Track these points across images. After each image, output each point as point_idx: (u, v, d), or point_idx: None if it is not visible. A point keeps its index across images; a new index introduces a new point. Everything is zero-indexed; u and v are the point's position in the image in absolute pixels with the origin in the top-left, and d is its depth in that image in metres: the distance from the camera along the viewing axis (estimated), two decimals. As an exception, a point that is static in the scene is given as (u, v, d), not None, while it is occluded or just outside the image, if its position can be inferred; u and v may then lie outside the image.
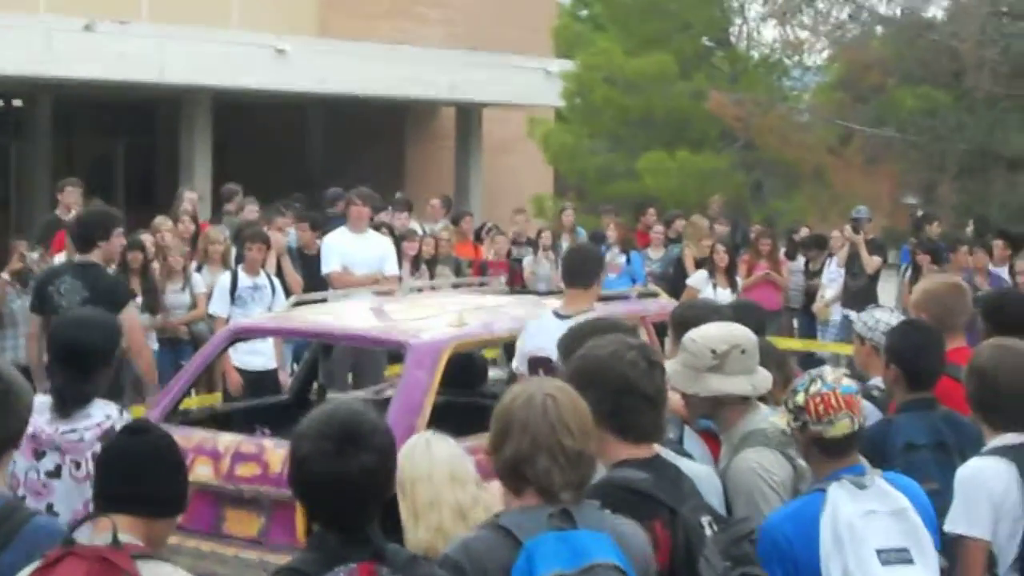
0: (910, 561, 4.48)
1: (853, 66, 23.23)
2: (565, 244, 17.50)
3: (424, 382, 7.88)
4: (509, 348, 10.63)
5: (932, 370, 5.79)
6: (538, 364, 7.45)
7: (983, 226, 18.17)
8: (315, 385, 10.17)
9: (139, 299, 11.85)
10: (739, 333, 5.24)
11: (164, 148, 26.31)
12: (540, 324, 7.84)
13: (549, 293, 10.02)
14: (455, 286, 11.94)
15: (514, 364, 8.13)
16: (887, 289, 17.31)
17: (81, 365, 5.71)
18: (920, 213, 20.17)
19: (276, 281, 12.49)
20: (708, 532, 4.31)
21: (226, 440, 8.04)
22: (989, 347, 5.31)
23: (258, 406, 9.88)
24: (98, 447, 5.52)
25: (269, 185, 19.87)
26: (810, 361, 15.03)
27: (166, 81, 21.36)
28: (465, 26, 27.10)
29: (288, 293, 12.09)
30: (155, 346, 12.25)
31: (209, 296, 12.60)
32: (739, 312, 6.23)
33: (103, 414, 5.69)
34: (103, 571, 3.61)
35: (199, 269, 13.27)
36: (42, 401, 5.60)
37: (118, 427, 5.55)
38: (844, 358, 14.49)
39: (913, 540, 4.51)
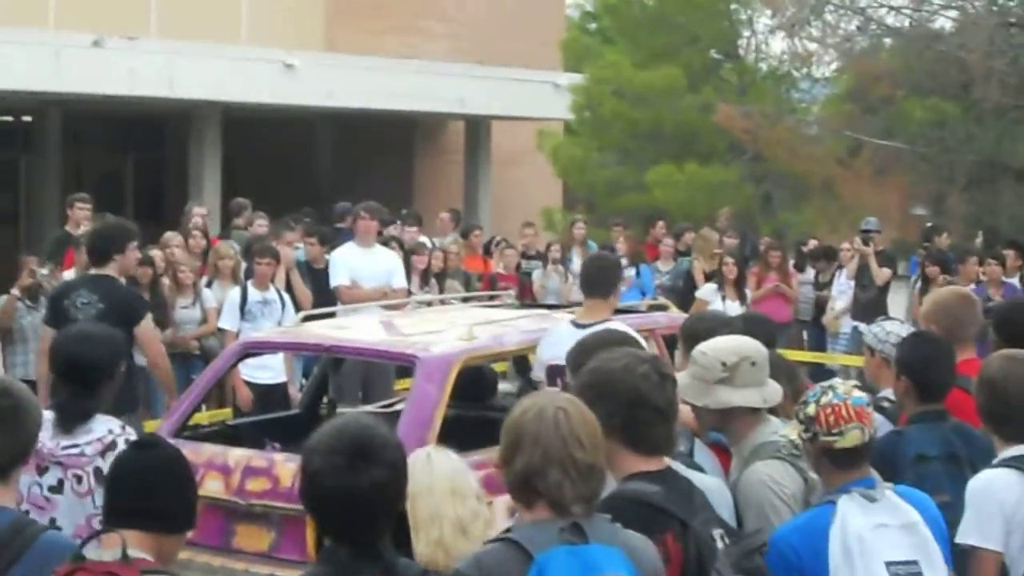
0: (920, 574, 4.47)
1: (862, 78, 23.24)
2: (575, 257, 17.53)
3: (434, 396, 7.88)
4: (519, 361, 10.67)
5: (942, 382, 5.78)
6: (556, 373, 7.45)
7: (992, 237, 18.18)
8: (325, 399, 10.17)
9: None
10: (749, 345, 5.24)
11: (173, 163, 26.34)
12: (558, 333, 7.86)
13: (559, 306, 10.03)
14: (465, 300, 11.94)
15: (533, 372, 8.14)
16: (897, 301, 17.29)
17: (84, 380, 5.70)
18: (929, 224, 20.15)
19: (286, 296, 12.51)
20: (720, 545, 4.30)
21: (236, 455, 8.04)
22: (999, 358, 5.31)
23: (268, 421, 9.88)
24: (99, 462, 5.53)
25: (278, 199, 19.88)
26: (820, 373, 15.00)
27: (175, 96, 21.37)
28: (473, 40, 27.11)
29: (298, 308, 12.10)
30: (166, 362, 12.26)
31: (219, 311, 12.61)
32: (749, 324, 6.23)
33: (105, 429, 5.67)
34: (113, 586, 3.62)
35: (209, 284, 13.28)
36: (48, 416, 5.60)
37: (119, 441, 5.57)
38: (854, 370, 14.47)
39: (923, 554, 4.50)
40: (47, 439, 5.60)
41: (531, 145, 25.93)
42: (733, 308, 13.99)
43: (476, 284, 15.95)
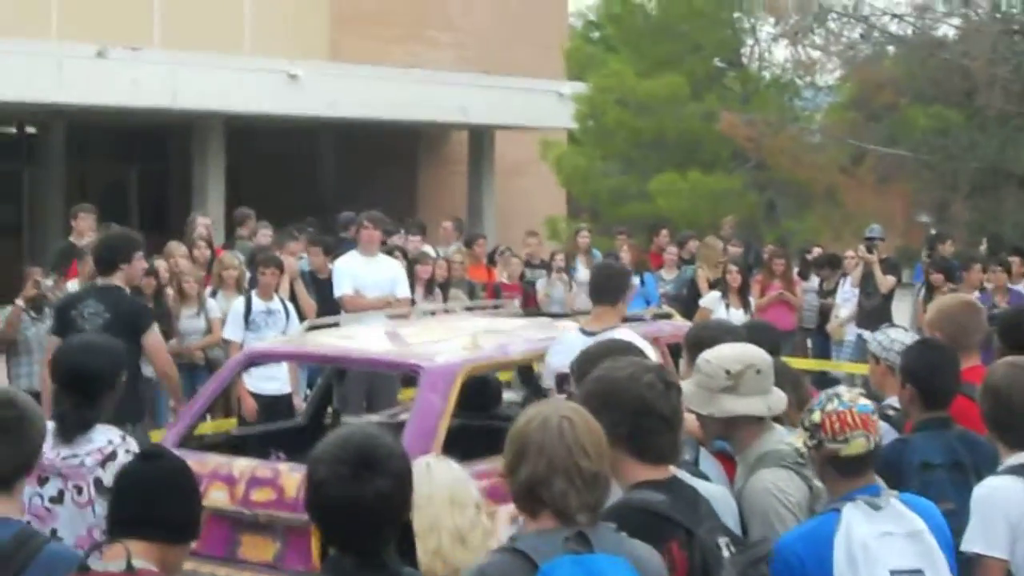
0: (925, 583, 4.47)
1: (865, 86, 23.25)
2: (580, 266, 17.53)
3: (438, 406, 7.87)
4: (523, 371, 10.67)
5: (947, 389, 5.78)
6: (566, 381, 7.46)
7: (996, 244, 18.15)
8: (329, 409, 10.16)
9: (154, 325, 11.85)
10: (753, 353, 5.23)
11: (177, 173, 26.37)
12: (566, 341, 7.85)
13: (563, 315, 10.02)
14: (469, 309, 11.93)
15: (543, 380, 8.14)
16: (901, 308, 17.27)
17: (85, 390, 5.70)
18: (933, 232, 20.18)
19: (290, 306, 12.49)
20: (725, 554, 4.30)
21: (241, 465, 8.03)
22: (1003, 366, 5.30)
23: (273, 431, 9.88)
24: (99, 472, 5.53)
25: (282, 209, 19.89)
26: (825, 381, 14.97)
27: (179, 107, 21.42)
28: (476, 49, 27.14)
29: (302, 317, 12.09)
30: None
31: (223, 321, 12.61)
32: (753, 332, 6.23)
33: (104, 439, 5.67)
34: (118, 597, 3.62)
35: (214, 294, 13.28)
36: (49, 427, 5.60)
37: (119, 452, 5.57)
38: (859, 378, 14.45)
39: (928, 562, 4.49)
40: (47, 449, 5.60)
41: (535, 154, 25.95)
42: (737, 316, 13.98)
43: (480, 293, 15.94)
